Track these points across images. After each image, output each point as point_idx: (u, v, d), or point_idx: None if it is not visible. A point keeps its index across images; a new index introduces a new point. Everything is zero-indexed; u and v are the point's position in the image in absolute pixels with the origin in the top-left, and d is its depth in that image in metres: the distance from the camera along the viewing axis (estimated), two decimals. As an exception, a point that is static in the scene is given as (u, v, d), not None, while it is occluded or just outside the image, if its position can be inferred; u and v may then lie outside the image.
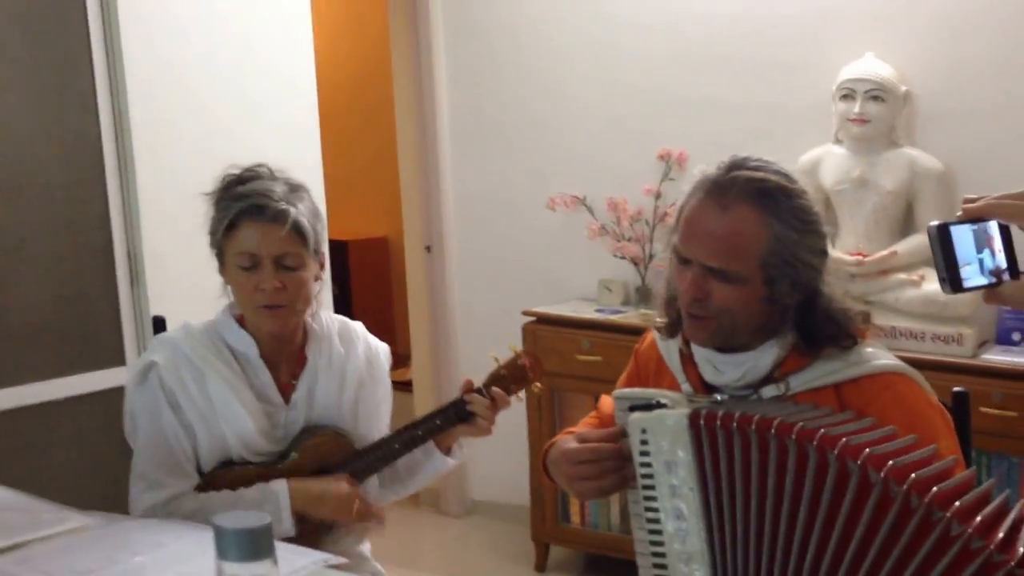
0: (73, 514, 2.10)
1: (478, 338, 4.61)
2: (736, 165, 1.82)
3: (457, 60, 4.58)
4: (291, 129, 3.86)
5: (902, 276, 3.51)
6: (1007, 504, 1.44)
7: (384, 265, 6.69)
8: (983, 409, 3.20)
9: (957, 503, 1.39)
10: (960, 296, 3.25)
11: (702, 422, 1.61)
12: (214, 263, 2.24)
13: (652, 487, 1.66)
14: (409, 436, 2.29)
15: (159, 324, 2.66)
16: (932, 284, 3.41)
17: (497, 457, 4.48)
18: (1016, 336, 3.46)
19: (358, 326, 2.40)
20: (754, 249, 1.76)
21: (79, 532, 2.01)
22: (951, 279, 1.40)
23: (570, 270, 4.35)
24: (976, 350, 3.39)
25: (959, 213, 1.44)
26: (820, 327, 1.81)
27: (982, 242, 1.42)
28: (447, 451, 2.38)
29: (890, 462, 1.44)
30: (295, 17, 3.92)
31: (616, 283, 4.11)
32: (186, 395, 2.16)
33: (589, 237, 4.19)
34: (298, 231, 2.15)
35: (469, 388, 2.33)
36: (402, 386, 5.05)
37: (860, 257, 3.55)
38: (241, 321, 2.25)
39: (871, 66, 3.63)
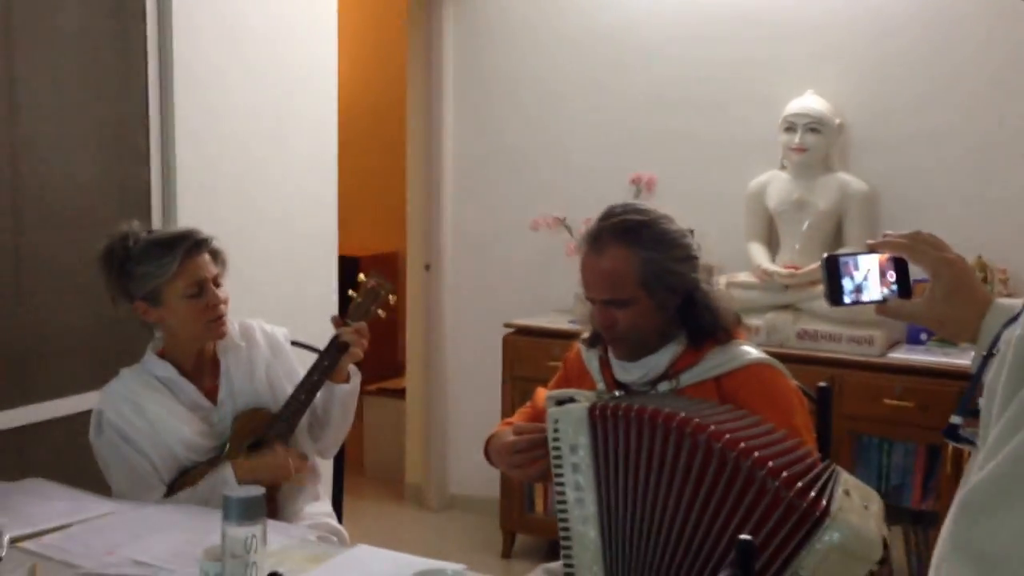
0: (107, 502, 2.51)
1: (465, 349, 5.02)
2: (604, 216, 2.29)
3: (463, 103, 5.00)
4: (313, 162, 4.24)
5: (827, 286, 3.91)
6: (825, 473, 1.88)
7: (393, 279, 7.10)
8: (887, 401, 3.64)
9: (785, 473, 1.83)
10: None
11: (598, 413, 2.04)
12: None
13: (560, 465, 2.08)
14: (309, 384, 2.68)
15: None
16: (852, 293, 3.87)
17: (474, 455, 4.87)
18: (923, 336, 3.90)
19: (254, 321, 2.82)
20: (631, 276, 2.21)
21: (112, 516, 2.39)
22: (832, 296, 1.64)
23: (550, 285, 4.73)
24: (886, 350, 3.79)
25: (869, 242, 1.68)
26: (701, 317, 2.25)
27: (875, 269, 1.64)
28: (345, 381, 2.74)
29: (742, 444, 1.87)
30: (323, 65, 4.26)
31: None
32: (132, 427, 2.58)
33: (567, 254, 4.59)
34: (218, 255, 2.65)
35: (339, 323, 2.71)
36: (397, 394, 5.44)
37: (792, 270, 3.97)
38: (160, 354, 2.68)
39: (810, 102, 4.06)
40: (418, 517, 4.98)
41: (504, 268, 4.94)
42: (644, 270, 2.21)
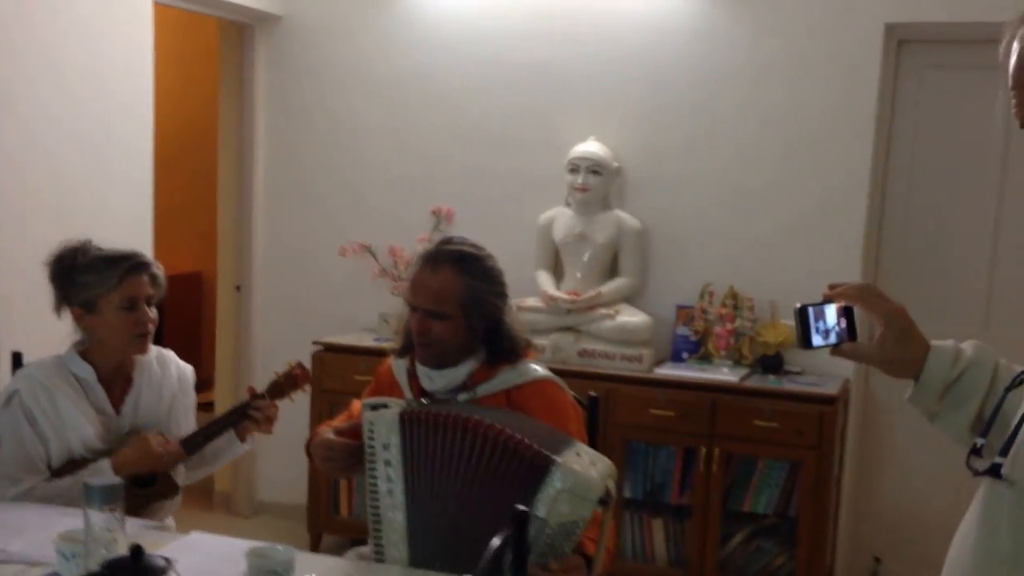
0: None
1: (274, 365, 5.15)
2: (443, 242, 2.68)
3: (273, 131, 5.28)
4: (130, 187, 4.44)
5: (603, 311, 4.40)
6: (563, 442, 2.30)
7: (196, 298, 7.26)
8: (652, 411, 4.18)
9: (528, 441, 2.23)
10: (641, 325, 4.23)
11: (407, 416, 2.40)
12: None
13: (374, 461, 2.43)
14: (209, 431, 2.99)
15: (17, 357, 3.17)
16: (624, 317, 4.39)
17: (282, 463, 5.14)
18: (685, 355, 4.46)
19: (170, 353, 3.11)
20: (455, 296, 2.59)
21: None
22: (803, 340, 1.79)
23: (356, 306, 5.07)
24: (653, 366, 4.33)
25: (825, 293, 1.83)
26: (501, 343, 2.65)
27: (834, 316, 1.81)
28: (243, 439, 3.07)
29: (517, 436, 2.25)
30: (139, 92, 4.45)
31: (392, 316, 4.71)
32: (41, 412, 2.83)
33: (372, 278, 4.97)
34: (157, 279, 2.93)
35: (253, 394, 3.04)
36: (204, 407, 5.62)
37: (574, 296, 4.44)
38: (83, 354, 2.93)
39: (592, 147, 4.54)
40: (229, 523, 5.18)
41: (313, 290, 5.23)
42: (467, 295, 2.59)
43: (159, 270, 2.96)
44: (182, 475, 3.06)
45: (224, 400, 5.42)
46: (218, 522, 5.21)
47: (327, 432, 2.67)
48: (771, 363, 4.37)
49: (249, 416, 3.00)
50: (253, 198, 5.30)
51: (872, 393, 4.57)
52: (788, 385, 4.23)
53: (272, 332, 5.32)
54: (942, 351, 1.77)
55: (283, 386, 3.06)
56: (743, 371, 4.34)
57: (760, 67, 4.50)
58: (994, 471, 1.60)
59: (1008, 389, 1.71)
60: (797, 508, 4.14)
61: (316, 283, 5.23)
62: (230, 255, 5.40)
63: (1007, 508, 1.60)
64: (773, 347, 4.38)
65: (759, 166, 4.52)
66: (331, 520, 4.80)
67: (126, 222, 4.42)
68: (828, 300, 1.80)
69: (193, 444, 2.97)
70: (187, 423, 3.08)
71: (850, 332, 1.81)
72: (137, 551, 1.89)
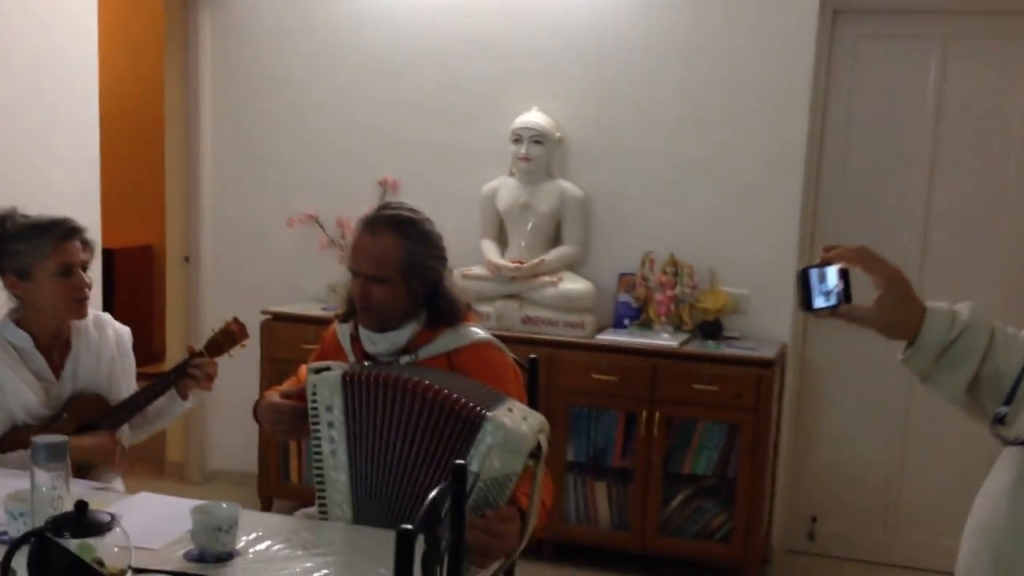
0: None
1: None
2: (382, 207, 2.71)
3: (221, 102, 5.30)
4: (76, 161, 4.45)
5: (547, 278, 4.49)
6: (495, 399, 2.37)
7: (147, 271, 7.27)
8: (594, 376, 4.28)
9: (463, 399, 2.31)
10: (583, 292, 4.32)
11: (349, 379, 2.46)
12: None
13: (317, 423, 2.49)
14: (151, 392, 3.05)
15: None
16: (566, 284, 4.48)
17: (233, 431, 5.21)
18: (626, 322, 4.56)
19: (107, 316, 3.14)
20: (395, 260, 2.62)
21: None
22: (805, 303, 1.80)
23: (304, 276, 5.13)
24: (595, 332, 4.42)
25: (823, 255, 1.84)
26: (441, 306, 2.69)
27: (834, 279, 1.81)
28: (185, 397, 3.11)
29: (453, 395, 2.34)
30: (84, 66, 4.45)
31: (340, 286, 4.72)
32: None
33: (319, 248, 5.02)
34: (88, 244, 2.96)
35: (192, 352, 3.07)
36: (156, 378, 5.65)
37: (518, 264, 4.52)
38: (18, 322, 2.96)
39: (535, 118, 4.62)
40: (180, 491, 5.15)
41: (261, 260, 5.28)
42: (406, 259, 2.62)
43: (90, 235, 2.99)
44: (127, 436, 3.09)
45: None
46: (170, 490, 5.10)
47: (273, 396, 2.71)
48: (710, 329, 4.48)
49: (189, 374, 3.03)
50: (200, 170, 5.32)
51: (809, 357, 4.69)
52: (727, 350, 4.34)
53: (221, 303, 5.33)
54: (939, 314, 1.78)
55: (221, 342, 3.08)
56: (683, 337, 4.44)
57: (699, 39, 4.59)
58: None
59: None
60: (736, 469, 4.26)
61: (264, 254, 5.28)
62: (178, 227, 5.42)
63: None
64: (712, 313, 4.49)
65: (698, 137, 4.62)
66: (281, 486, 4.86)
67: (73, 198, 4.41)
68: (827, 262, 1.81)
69: (135, 405, 3.01)
70: (128, 385, 3.12)
71: (846, 295, 1.82)
72: (81, 506, 1.94)
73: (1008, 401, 1.70)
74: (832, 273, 1.81)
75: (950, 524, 4.47)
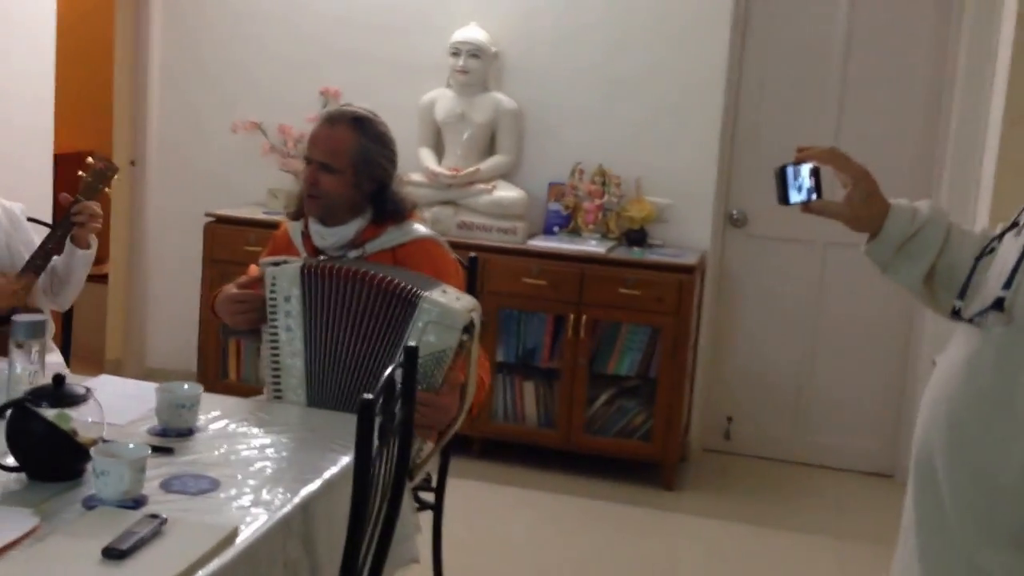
0: None
1: (168, 237, 5.46)
2: (344, 105, 2.90)
3: (169, 12, 5.39)
4: (30, 57, 4.45)
5: (481, 186, 4.69)
6: (430, 283, 2.59)
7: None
8: (525, 280, 4.51)
9: (403, 283, 2.54)
10: (516, 199, 4.52)
11: (308, 270, 2.65)
12: None
13: (275, 313, 2.68)
14: (44, 251, 3.07)
15: None
16: (500, 192, 4.69)
17: (172, 331, 5.39)
18: (556, 229, 4.79)
19: None
20: (348, 152, 2.77)
21: None
22: (782, 197, 1.93)
23: (247, 181, 5.24)
24: (526, 238, 4.65)
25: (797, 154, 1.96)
26: (387, 205, 2.85)
27: (801, 176, 1.95)
28: (83, 246, 3.11)
29: (394, 280, 2.56)
30: None
31: (281, 191, 4.96)
32: None
33: (262, 154, 5.15)
34: None
35: (67, 201, 3.07)
36: (99, 279, 5.76)
37: (455, 172, 4.71)
38: None
39: (473, 32, 4.77)
40: None
41: (205, 165, 5.39)
42: (359, 153, 2.78)
43: None
44: (47, 303, 3.17)
45: (118, 271, 5.60)
46: (109, 386, 5.39)
47: (231, 289, 2.85)
48: (635, 236, 4.72)
49: (74, 222, 3.06)
50: (148, 75, 5.41)
51: (727, 265, 4.97)
52: (650, 256, 4.58)
53: (165, 205, 5.48)
54: (901, 209, 1.92)
55: (92, 183, 3.12)
56: (609, 244, 4.68)
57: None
58: (997, 304, 1.73)
59: (978, 258, 1.87)
60: (657, 370, 4.52)
61: (208, 158, 5.39)
62: (125, 131, 5.51)
63: (992, 349, 1.74)
64: (638, 221, 4.73)
65: (627, 56, 4.83)
66: (219, 384, 4.97)
67: (26, 99, 4.48)
68: (800, 161, 1.94)
69: (34, 266, 3.05)
70: (28, 256, 3.12)
71: (817, 191, 1.96)
72: (59, 379, 2.14)
73: (962, 295, 1.85)
74: (805, 171, 1.95)
75: (857, 424, 4.88)
